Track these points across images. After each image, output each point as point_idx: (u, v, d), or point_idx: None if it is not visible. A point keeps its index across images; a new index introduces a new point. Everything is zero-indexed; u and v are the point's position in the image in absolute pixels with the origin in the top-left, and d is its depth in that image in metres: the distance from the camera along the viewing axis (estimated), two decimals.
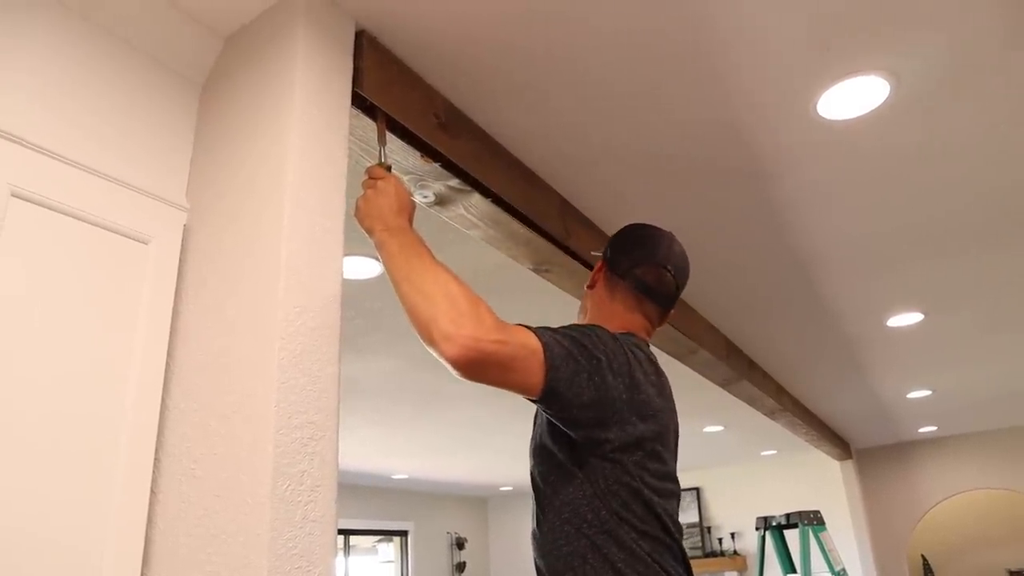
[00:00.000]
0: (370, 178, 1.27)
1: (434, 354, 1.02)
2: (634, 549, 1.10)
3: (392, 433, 5.50)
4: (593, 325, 1.24)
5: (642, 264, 1.40)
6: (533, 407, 1.21)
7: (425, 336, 1.02)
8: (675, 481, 1.25)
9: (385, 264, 1.14)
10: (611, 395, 1.12)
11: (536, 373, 1.06)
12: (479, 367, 1.01)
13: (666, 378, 1.33)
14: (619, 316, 1.38)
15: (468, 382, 1.04)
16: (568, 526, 1.14)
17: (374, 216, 1.19)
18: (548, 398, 1.08)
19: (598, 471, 1.13)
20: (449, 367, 1.01)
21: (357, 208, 1.23)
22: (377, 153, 1.42)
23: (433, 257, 1.12)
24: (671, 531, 1.17)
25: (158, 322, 1.20)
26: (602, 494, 1.12)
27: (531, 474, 1.27)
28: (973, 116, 1.88)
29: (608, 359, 1.14)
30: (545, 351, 1.07)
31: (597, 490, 1.13)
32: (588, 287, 1.49)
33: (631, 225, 1.50)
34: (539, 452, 1.24)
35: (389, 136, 1.48)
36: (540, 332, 1.09)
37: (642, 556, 1.10)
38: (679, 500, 1.26)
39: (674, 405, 1.33)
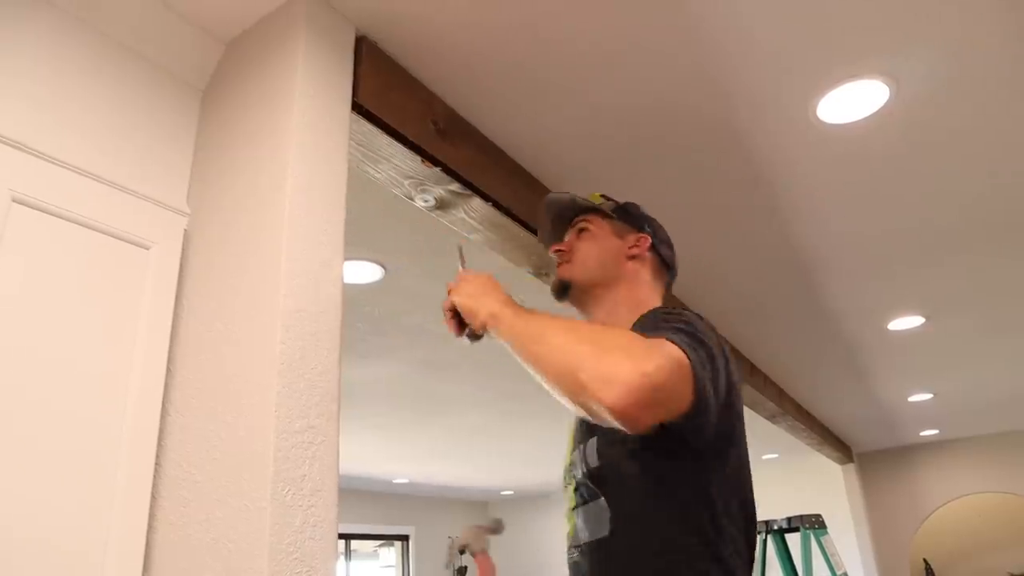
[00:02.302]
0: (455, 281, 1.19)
1: (591, 410, 0.86)
2: (731, 567, 0.98)
3: (393, 437, 5.49)
4: (682, 311, 1.08)
5: (670, 249, 1.34)
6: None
7: (573, 389, 0.88)
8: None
9: (506, 335, 1.04)
10: (733, 381, 1.01)
11: (687, 391, 0.89)
12: (651, 404, 0.84)
13: None
14: (655, 297, 1.28)
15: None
16: (655, 538, 0.99)
17: (478, 295, 1.12)
18: (698, 414, 0.91)
19: (713, 478, 1.00)
20: (611, 419, 0.84)
21: (458, 306, 1.13)
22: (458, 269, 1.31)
23: (548, 313, 1.02)
24: (753, 545, 1.06)
25: (159, 327, 1.20)
26: (710, 503, 0.99)
27: (591, 474, 1.09)
28: (973, 119, 1.88)
29: (719, 346, 1.00)
30: (689, 359, 0.89)
31: (707, 499, 0.99)
32: (630, 252, 1.29)
33: (634, 204, 1.38)
34: (618, 453, 1.07)
35: (391, 140, 1.48)
36: (671, 336, 0.92)
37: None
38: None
39: None
